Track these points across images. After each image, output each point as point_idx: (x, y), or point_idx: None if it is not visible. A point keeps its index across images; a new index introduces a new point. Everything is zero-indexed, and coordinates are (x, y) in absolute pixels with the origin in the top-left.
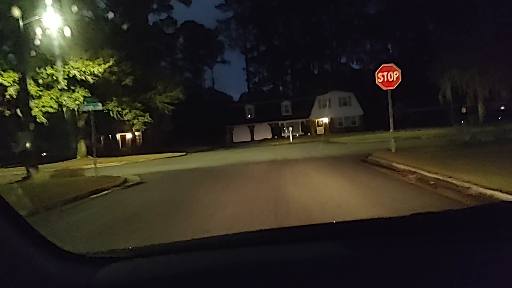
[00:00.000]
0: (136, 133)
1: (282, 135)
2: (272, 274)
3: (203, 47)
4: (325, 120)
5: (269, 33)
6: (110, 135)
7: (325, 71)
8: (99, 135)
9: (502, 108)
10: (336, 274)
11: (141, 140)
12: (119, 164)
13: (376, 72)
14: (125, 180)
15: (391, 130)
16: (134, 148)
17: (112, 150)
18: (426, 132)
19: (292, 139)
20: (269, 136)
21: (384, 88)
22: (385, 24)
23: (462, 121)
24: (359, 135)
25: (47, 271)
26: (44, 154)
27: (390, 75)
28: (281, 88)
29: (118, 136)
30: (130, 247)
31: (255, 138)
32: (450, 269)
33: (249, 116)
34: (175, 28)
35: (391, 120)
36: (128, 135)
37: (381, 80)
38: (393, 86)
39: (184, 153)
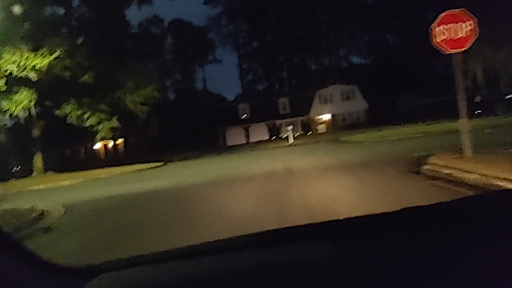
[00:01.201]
0: (118, 141)
1: (281, 135)
2: (263, 277)
3: (193, 46)
4: (327, 117)
5: (262, 28)
6: (90, 145)
7: (323, 65)
8: (78, 145)
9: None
10: (327, 274)
11: (123, 149)
12: (73, 182)
13: (432, 27)
14: (29, 222)
15: (462, 119)
16: (115, 158)
17: (90, 161)
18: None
19: (293, 139)
20: (266, 137)
21: (449, 51)
22: (383, 13)
23: (477, 112)
24: (373, 132)
25: (35, 284)
26: (18, 168)
27: (459, 28)
28: (277, 86)
29: (100, 144)
30: (123, 258)
31: (251, 140)
32: (444, 260)
33: (243, 116)
34: (162, 27)
35: (462, 105)
36: (111, 144)
37: (442, 38)
38: (465, 45)
39: (162, 163)
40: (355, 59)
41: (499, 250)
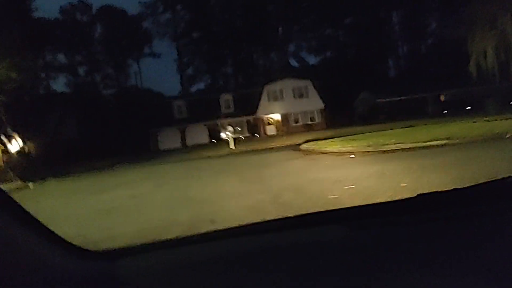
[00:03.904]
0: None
1: (222, 137)
2: (278, 259)
3: (126, 37)
4: (277, 116)
5: (204, 17)
6: None
7: (272, 61)
8: None
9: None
10: (339, 255)
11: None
12: None
13: None
14: None
15: None
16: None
17: None
18: (480, 126)
19: (235, 144)
20: (206, 140)
21: None
22: (335, 8)
23: (446, 111)
24: (349, 136)
25: (58, 266)
26: None
27: None
28: (221, 82)
29: None
30: (143, 243)
31: (188, 143)
32: (457, 244)
33: (179, 116)
34: (89, 14)
35: None
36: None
37: None
38: None
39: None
40: (307, 57)
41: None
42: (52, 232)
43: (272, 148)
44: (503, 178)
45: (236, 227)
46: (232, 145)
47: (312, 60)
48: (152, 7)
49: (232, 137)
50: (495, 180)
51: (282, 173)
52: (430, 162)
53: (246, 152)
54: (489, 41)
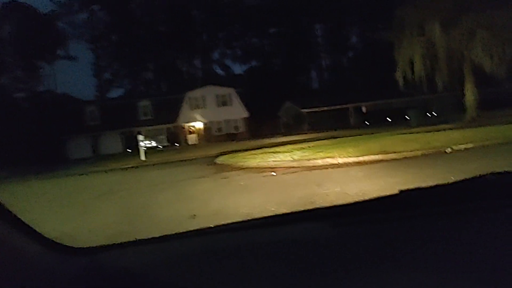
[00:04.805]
0: None
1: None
2: (259, 255)
3: (38, 38)
4: (199, 125)
5: (124, 19)
6: None
7: (196, 68)
8: None
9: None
10: (325, 250)
11: None
12: None
13: None
14: None
15: None
16: None
17: None
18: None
19: (146, 155)
20: (120, 150)
21: None
22: (260, 17)
23: (368, 122)
24: (271, 148)
25: (37, 262)
26: None
27: None
28: (142, 88)
29: None
30: (120, 242)
31: (102, 152)
32: (439, 240)
33: (93, 122)
34: None
35: None
36: None
37: None
38: None
39: None
40: (232, 65)
41: (493, 232)
42: (32, 228)
43: (185, 161)
44: (483, 175)
45: (219, 225)
46: (142, 156)
47: (237, 68)
48: (66, 6)
49: (143, 147)
50: (476, 177)
51: (179, 199)
52: (373, 187)
53: (156, 164)
54: (416, 49)
